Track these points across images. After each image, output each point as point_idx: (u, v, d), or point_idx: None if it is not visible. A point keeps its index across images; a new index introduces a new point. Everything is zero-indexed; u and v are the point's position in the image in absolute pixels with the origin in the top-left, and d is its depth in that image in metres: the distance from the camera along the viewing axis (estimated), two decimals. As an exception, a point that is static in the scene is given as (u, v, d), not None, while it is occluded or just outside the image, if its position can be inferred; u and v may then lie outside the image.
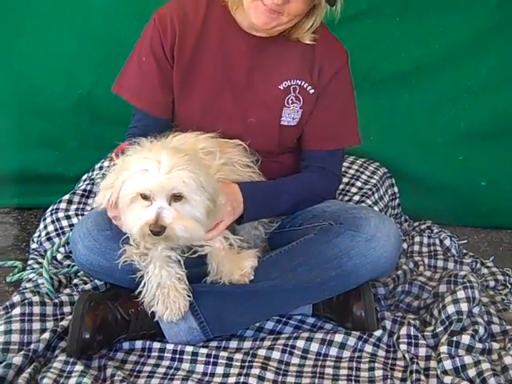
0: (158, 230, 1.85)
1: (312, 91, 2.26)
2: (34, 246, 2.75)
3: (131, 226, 1.90)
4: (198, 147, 2.06)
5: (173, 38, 2.20)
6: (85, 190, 2.90)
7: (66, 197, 2.84)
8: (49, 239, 2.71)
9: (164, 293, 2.04)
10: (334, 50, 2.29)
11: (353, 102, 2.36)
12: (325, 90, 2.27)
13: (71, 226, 2.70)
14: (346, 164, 2.99)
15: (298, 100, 2.26)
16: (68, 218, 2.74)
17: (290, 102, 2.26)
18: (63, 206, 2.80)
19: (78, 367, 1.99)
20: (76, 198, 2.85)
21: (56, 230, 2.72)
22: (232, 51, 2.23)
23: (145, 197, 1.87)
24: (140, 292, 2.08)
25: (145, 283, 2.06)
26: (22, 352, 2.01)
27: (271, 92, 2.25)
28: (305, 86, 2.26)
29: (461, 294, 2.20)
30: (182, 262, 2.07)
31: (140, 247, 2.04)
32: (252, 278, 2.10)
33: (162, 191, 1.85)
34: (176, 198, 1.87)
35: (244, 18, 2.17)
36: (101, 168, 3.03)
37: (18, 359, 1.98)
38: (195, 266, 2.11)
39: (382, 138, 3.05)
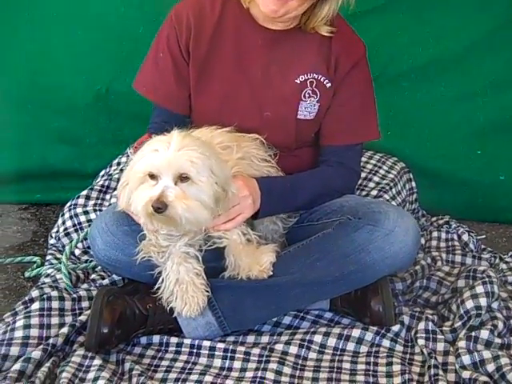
0: (158, 205, 1.84)
1: (329, 85, 2.25)
2: (52, 241, 2.76)
3: (137, 204, 1.90)
4: (215, 142, 2.06)
5: (188, 34, 2.21)
6: (103, 186, 2.91)
7: (84, 192, 2.86)
8: (67, 235, 2.72)
9: (182, 288, 2.05)
10: (351, 43, 2.28)
11: (371, 96, 2.35)
12: (342, 84, 2.26)
13: (89, 221, 2.72)
14: (363, 159, 2.98)
15: (315, 94, 2.25)
16: (86, 213, 2.76)
17: (307, 95, 2.25)
18: (81, 201, 2.82)
19: (97, 361, 2.00)
20: (94, 194, 2.87)
21: (74, 225, 2.74)
22: (248, 46, 2.23)
23: (152, 176, 1.87)
24: (158, 287, 2.08)
25: (163, 279, 2.07)
26: (41, 346, 2.02)
27: (288, 86, 2.24)
28: (322, 79, 2.25)
29: (480, 289, 2.19)
30: (200, 258, 2.07)
31: (157, 245, 2.05)
32: (271, 273, 2.10)
33: (168, 169, 1.85)
34: (183, 178, 1.87)
35: (258, 10, 2.17)
36: (118, 164, 3.04)
37: (36, 353, 1.99)
38: (213, 261, 2.11)
39: (400, 132, 3.05)
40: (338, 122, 2.30)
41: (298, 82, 2.24)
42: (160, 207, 1.85)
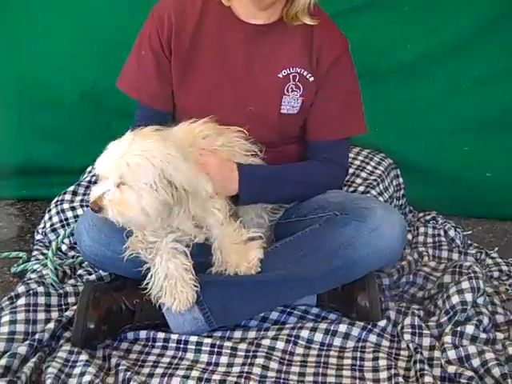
0: (93, 207, 1.90)
1: (312, 79, 2.25)
2: (38, 237, 2.76)
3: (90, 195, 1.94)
4: (196, 131, 2.06)
5: (170, 32, 2.21)
6: (89, 182, 2.89)
7: (71, 188, 2.85)
8: (53, 230, 2.71)
9: (171, 284, 2.05)
10: (333, 38, 2.27)
11: (356, 90, 2.34)
12: (325, 79, 2.25)
13: (76, 217, 2.71)
14: (351, 155, 2.98)
15: (298, 88, 2.25)
16: (73, 209, 2.75)
17: (290, 90, 2.25)
18: (68, 197, 2.81)
19: (83, 357, 2.00)
20: (81, 190, 2.86)
21: (61, 221, 2.73)
22: (230, 41, 2.22)
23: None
24: (147, 283, 2.08)
25: (152, 275, 2.07)
26: (27, 342, 2.02)
27: (271, 80, 2.24)
28: (304, 73, 2.24)
29: (465, 285, 2.21)
30: (188, 253, 2.07)
31: (144, 241, 2.05)
32: (259, 270, 2.10)
33: (108, 172, 1.87)
34: (123, 182, 1.87)
35: (239, 4, 2.17)
36: (105, 160, 3.03)
37: (22, 349, 1.99)
38: (200, 256, 2.11)
39: (388, 128, 3.04)
40: (324, 117, 2.30)
41: (281, 76, 2.24)
42: (95, 209, 1.89)
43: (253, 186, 2.14)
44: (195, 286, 2.08)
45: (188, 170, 1.92)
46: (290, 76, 2.24)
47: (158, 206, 1.89)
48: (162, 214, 1.93)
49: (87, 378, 1.91)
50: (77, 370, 1.95)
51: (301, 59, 2.24)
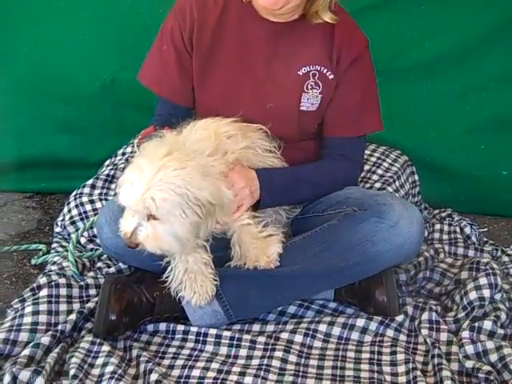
0: (131, 245, 1.94)
1: (331, 77, 2.26)
2: (57, 229, 2.79)
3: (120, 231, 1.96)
4: (221, 131, 2.07)
5: (192, 27, 2.22)
6: (108, 175, 2.93)
7: (90, 182, 2.88)
8: (72, 223, 2.74)
9: (191, 278, 2.07)
10: (354, 36, 2.28)
11: (374, 88, 2.35)
12: (344, 77, 2.27)
13: (95, 210, 2.74)
14: (367, 152, 3.01)
15: (318, 85, 2.26)
16: (92, 202, 2.78)
17: (310, 87, 2.26)
18: (87, 190, 2.84)
19: (105, 348, 2.02)
20: (99, 183, 2.89)
21: (80, 214, 2.75)
22: (250, 39, 2.24)
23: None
24: (167, 277, 2.10)
25: (172, 268, 2.09)
26: (50, 332, 2.05)
27: (290, 78, 2.25)
28: (324, 71, 2.25)
29: (483, 281, 2.22)
30: (208, 248, 2.09)
31: None
32: (278, 264, 2.12)
33: (137, 208, 1.88)
34: (153, 216, 1.89)
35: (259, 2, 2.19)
36: (123, 154, 3.06)
37: (45, 339, 2.02)
38: (219, 251, 2.13)
39: (404, 126, 3.07)
40: (341, 114, 2.31)
41: (301, 73, 2.25)
42: (132, 247, 1.93)
43: (272, 192, 2.15)
44: (215, 280, 2.10)
45: (210, 184, 1.93)
46: (310, 74, 2.25)
47: (190, 229, 1.92)
48: (193, 233, 1.96)
49: (110, 368, 1.93)
50: (99, 361, 1.98)
51: (321, 57, 2.25)
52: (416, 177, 3.05)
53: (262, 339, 2.11)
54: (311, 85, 2.26)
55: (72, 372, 1.91)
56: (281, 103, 2.26)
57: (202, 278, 2.08)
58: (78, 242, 2.61)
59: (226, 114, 2.17)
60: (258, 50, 2.24)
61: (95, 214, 2.65)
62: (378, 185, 2.84)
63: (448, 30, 2.97)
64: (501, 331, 2.10)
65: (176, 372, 2.00)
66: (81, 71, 3.14)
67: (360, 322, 2.17)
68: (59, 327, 2.07)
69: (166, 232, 1.91)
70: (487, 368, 1.94)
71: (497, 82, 2.98)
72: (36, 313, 2.12)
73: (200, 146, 2.00)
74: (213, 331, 2.14)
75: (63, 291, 2.22)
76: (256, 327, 2.20)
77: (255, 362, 2.04)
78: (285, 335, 2.12)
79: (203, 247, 2.09)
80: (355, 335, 2.15)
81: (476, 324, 2.10)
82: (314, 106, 2.29)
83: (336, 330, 2.16)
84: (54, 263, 2.49)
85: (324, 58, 2.25)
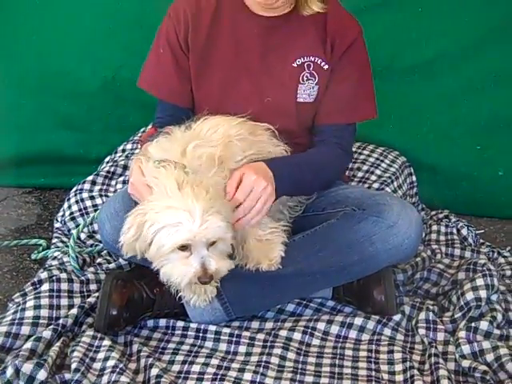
0: (206, 280, 1.92)
1: (326, 66, 2.27)
2: (57, 225, 2.80)
3: (177, 278, 1.93)
4: (231, 133, 2.08)
5: (186, 28, 2.25)
6: (108, 172, 2.95)
7: (90, 178, 2.90)
8: (73, 219, 2.76)
9: None
10: (346, 24, 2.29)
11: (368, 75, 2.35)
12: (338, 64, 2.27)
13: (95, 206, 2.76)
14: (366, 152, 3.04)
15: (313, 76, 2.28)
16: (92, 198, 2.80)
17: (305, 78, 2.28)
18: (87, 186, 2.86)
19: (106, 342, 2.05)
20: (99, 180, 2.91)
21: (80, 210, 2.78)
22: (244, 35, 2.26)
23: (182, 247, 1.90)
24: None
25: None
26: (51, 326, 2.07)
27: (286, 70, 2.27)
28: (319, 62, 2.27)
29: (480, 282, 2.25)
30: None
31: None
32: (280, 267, 2.12)
33: (201, 241, 1.89)
34: (212, 242, 1.92)
35: (252, 0, 2.21)
36: (123, 150, 3.09)
37: (47, 333, 2.04)
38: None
39: (402, 127, 3.09)
40: (335, 100, 2.31)
41: (295, 65, 2.27)
42: (208, 281, 1.93)
43: (283, 179, 2.13)
44: (215, 282, 2.09)
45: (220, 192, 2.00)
46: (305, 65, 2.27)
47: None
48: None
49: (111, 362, 1.96)
50: (101, 355, 2.00)
51: (315, 48, 2.26)
52: (414, 178, 3.08)
53: (260, 336, 2.14)
54: (306, 76, 2.27)
55: (74, 366, 1.93)
56: (278, 96, 2.28)
57: None
58: (78, 237, 2.62)
59: (224, 110, 2.19)
60: (253, 45, 2.26)
61: (95, 210, 2.67)
62: (376, 185, 2.86)
63: (446, 31, 2.98)
64: (497, 332, 2.13)
65: (176, 367, 2.02)
66: (82, 68, 3.15)
67: (358, 321, 2.19)
68: (60, 321, 2.10)
69: (224, 250, 1.96)
70: (483, 368, 1.97)
71: (493, 83, 2.99)
72: (37, 307, 2.14)
73: (207, 152, 2.01)
74: (212, 328, 2.16)
75: (64, 286, 2.24)
76: (255, 324, 2.22)
77: (254, 358, 2.06)
78: (283, 333, 2.14)
79: None
80: (353, 334, 2.18)
81: (472, 324, 2.13)
82: (311, 98, 2.30)
83: (334, 329, 2.18)
84: (55, 258, 2.51)
85: (318, 48, 2.27)
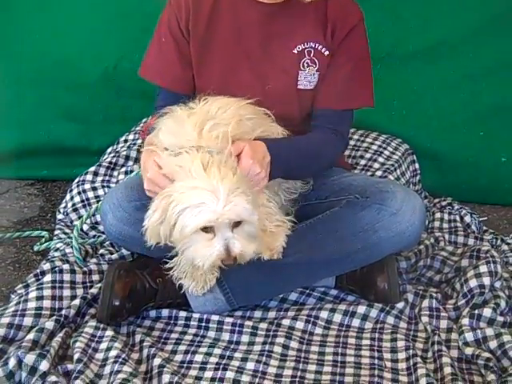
0: (230, 262, 1.90)
1: (327, 53, 2.26)
2: (60, 216, 2.80)
3: (200, 260, 1.90)
4: (241, 113, 2.06)
5: (187, 15, 2.24)
6: (110, 163, 2.94)
7: (92, 169, 2.89)
8: (75, 210, 2.76)
9: (195, 268, 2.05)
10: (347, 9, 2.27)
11: (368, 63, 2.33)
12: (338, 49, 2.26)
13: (97, 197, 2.75)
14: (368, 140, 3.03)
15: (314, 63, 2.26)
16: (94, 189, 2.79)
17: (306, 65, 2.26)
18: (89, 177, 2.85)
19: (109, 332, 2.04)
20: (102, 170, 2.90)
21: (82, 201, 2.77)
22: (244, 22, 2.25)
23: (205, 228, 1.87)
24: (169, 264, 2.10)
25: (178, 259, 2.07)
26: (54, 317, 2.07)
27: (286, 57, 2.26)
28: (319, 48, 2.25)
29: (483, 269, 2.23)
30: None
31: None
32: (281, 257, 2.11)
33: (225, 221, 1.85)
34: (237, 223, 1.88)
35: None
36: (125, 141, 3.08)
37: (50, 324, 2.03)
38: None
39: (404, 114, 3.07)
40: (333, 85, 2.29)
41: (296, 52, 2.25)
42: (232, 263, 1.90)
43: (280, 163, 2.11)
44: (216, 272, 2.10)
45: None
46: (305, 51, 2.25)
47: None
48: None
49: (114, 352, 1.96)
50: (103, 345, 2.00)
51: (315, 34, 2.25)
52: (417, 165, 3.07)
53: (263, 325, 2.13)
54: (307, 62, 2.26)
55: (76, 356, 1.93)
56: (279, 83, 2.27)
57: None
58: (81, 228, 2.61)
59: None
60: (253, 32, 2.25)
61: (98, 201, 2.67)
62: (379, 173, 2.85)
63: (448, 18, 2.96)
64: (500, 318, 2.12)
65: (179, 357, 2.02)
66: (84, 58, 3.15)
67: (361, 309, 2.19)
68: (63, 312, 2.09)
69: (251, 232, 1.91)
70: (486, 355, 1.96)
71: (495, 69, 2.98)
72: (40, 298, 2.13)
73: (222, 132, 1.99)
74: (215, 317, 2.16)
75: (67, 277, 2.24)
76: (258, 314, 2.22)
77: (257, 347, 2.06)
78: (286, 322, 2.14)
79: None
80: (356, 322, 2.17)
81: (476, 311, 2.12)
82: (311, 85, 2.28)
83: (337, 317, 2.17)
84: (57, 250, 2.51)
85: (318, 34, 2.25)
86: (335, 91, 2.29)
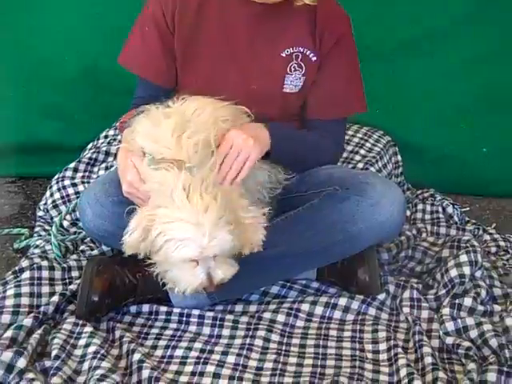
0: (212, 290, 1.95)
1: (314, 58, 2.26)
2: (40, 213, 2.78)
3: (183, 286, 1.93)
4: (217, 115, 2.04)
5: (174, 7, 2.21)
6: (90, 159, 2.93)
7: (72, 165, 2.88)
8: (55, 207, 2.74)
9: None
10: (336, 17, 2.27)
11: (357, 69, 2.35)
12: (327, 57, 2.26)
13: (77, 193, 2.73)
14: (350, 132, 3.02)
15: (301, 67, 2.26)
16: (74, 185, 2.78)
17: (293, 69, 2.26)
18: (69, 173, 2.84)
19: (88, 329, 2.03)
20: (82, 167, 2.89)
21: (62, 197, 2.75)
22: (233, 21, 2.23)
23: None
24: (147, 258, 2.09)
25: None
26: (32, 314, 2.05)
27: (274, 59, 2.24)
28: (307, 53, 2.25)
29: (463, 258, 2.24)
30: None
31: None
32: (261, 250, 2.08)
33: (208, 255, 1.88)
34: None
35: None
36: (106, 137, 3.06)
37: (28, 321, 2.02)
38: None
39: (387, 106, 3.07)
40: (325, 95, 2.30)
41: (284, 55, 2.24)
42: (213, 291, 1.95)
43: (282, 139, 2.12)
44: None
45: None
46: (293, 55, 2.25)
47: None
48: None
49: (92, 348, 1.94)
50: (82, 342, 1.98)
51: (304, 39, 2.24)
52: (399, 157, 3.07)
53: (244, 319, 2.12)
54: (294, 66, 2.25)
55: (54, 352, 1.92)
56: (264, 85, 2.26)
57: None
58: (61, 225, 2.60)
59: (209, 96, 2.14)
60: (241, 31, 2.23)
61: (78, 198, 2.64)
62: (360, 165, 2.85)
63: (429, 12, 2.96)
64: (481, 308, 2.12)
65: (159, 352, 2.01)
66: (63, 55, 3.12)
67: (342, 301, 2.18)
68: (41, 309, 2.07)
69: (232, 250, 1.94)
70: (467, 344, 1.96)
71: (477, 62, 2.99)
72: (18, 295, 2.12)
73: (202, 139, 1.97)
74: (196, 312, 2.14)
75: (45, 273, 2.22)
76: (239, 307, 2.21)
77: (238, 341, 2.05)
78: (267, 315, 2.13)
79: None
80: (337, 314, 2.17)
81: (456, 301, 2.12)
82: (296, 88, 2.28)
83: (318, 310, 2.17)
84: (37, 247, 2.49)
85: (307, 39, 2.25)
86: (328, 100, 2.30)
